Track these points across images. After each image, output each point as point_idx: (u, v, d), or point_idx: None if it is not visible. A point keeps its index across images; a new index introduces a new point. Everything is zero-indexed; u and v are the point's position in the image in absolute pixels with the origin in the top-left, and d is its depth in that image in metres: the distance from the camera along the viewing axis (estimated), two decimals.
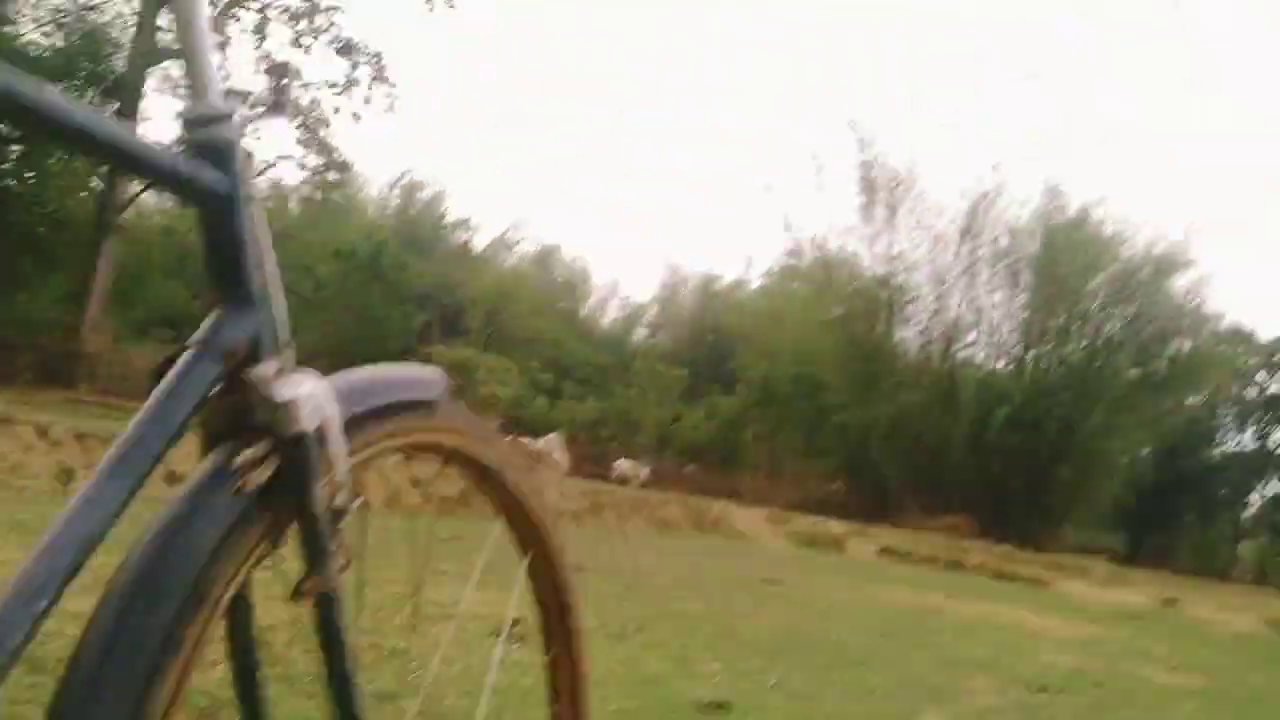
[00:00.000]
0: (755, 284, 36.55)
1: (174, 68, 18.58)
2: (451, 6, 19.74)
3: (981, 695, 4.66)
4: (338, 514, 0.81)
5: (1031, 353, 29.01)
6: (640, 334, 40.19)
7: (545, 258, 39.27)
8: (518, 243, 38.78)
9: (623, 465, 9.78)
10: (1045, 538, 27.87)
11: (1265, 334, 41.27)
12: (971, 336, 29.64)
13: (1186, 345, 29.31)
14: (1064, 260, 27.48)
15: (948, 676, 5.02)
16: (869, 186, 28.73)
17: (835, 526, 17.75)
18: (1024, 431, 27.06)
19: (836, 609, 7.43)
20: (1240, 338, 37.41)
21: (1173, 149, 57.72)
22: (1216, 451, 42.80)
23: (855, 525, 20.28)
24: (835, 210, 29.44)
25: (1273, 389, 42.65)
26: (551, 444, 7.17)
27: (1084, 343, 28.66)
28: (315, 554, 0.80)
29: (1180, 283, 28.40)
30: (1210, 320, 30.58)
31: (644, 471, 9.83)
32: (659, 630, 5.05)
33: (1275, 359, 40.91)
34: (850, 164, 29.57)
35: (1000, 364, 29.80)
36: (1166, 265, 27.95)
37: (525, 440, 7.20)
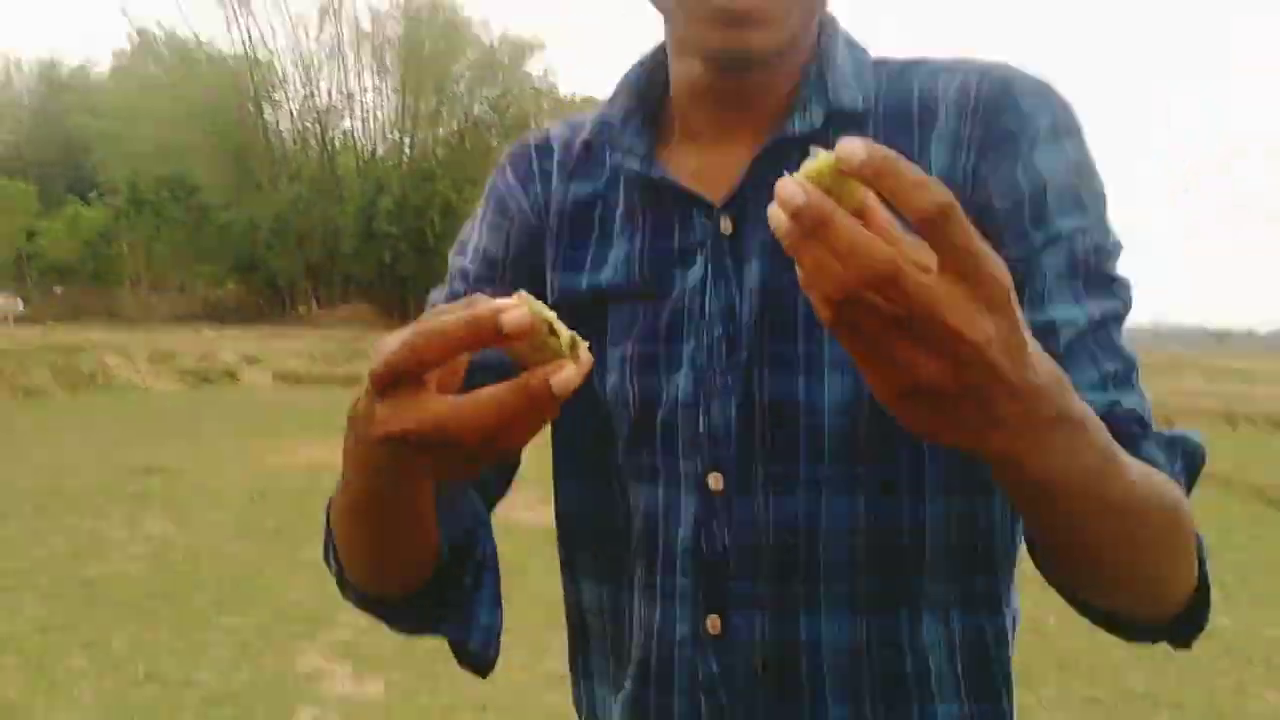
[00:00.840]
0: (104, 70, 32.53)
1: None
2: None
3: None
4: None
5: (407, 139, 29.37)
6: None
7: None
8: None
9: None
10: None
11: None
12: (346, 123, 29.23)
13: (547, 121, 31.55)
14: (428, 44, 27.79)
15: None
16: None
17: (228, 351, 17.06)
18: (409, 215, 27.71)
19: (225, 497, 7.18)
20: (592, 105, 41.06)
21: None
22: None
23: (250, 340, 19.73)
24: None
25: None
26: None
27: (455, 124, 29.61)
28: None
29: (536, 66, 30.40)
30: (565, 99, 33.07)
31: (17, 305, 8.53)
32: None
33: None
34: None
35: (380, 149, 29.84)
36: (523, 49, 29.53)
37: None
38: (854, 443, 0.79)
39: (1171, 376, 22.92)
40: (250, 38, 27.26)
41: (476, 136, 29.68)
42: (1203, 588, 0.73)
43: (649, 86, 0.92)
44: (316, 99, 28.42)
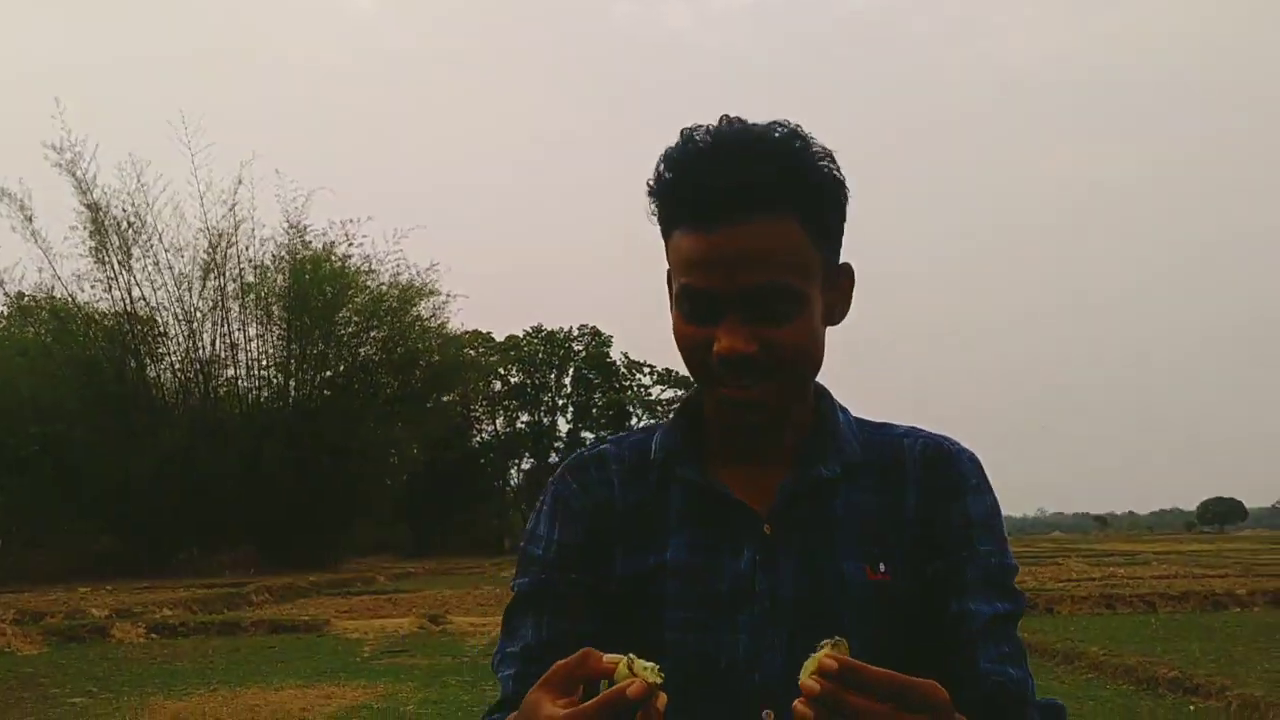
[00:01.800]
0: None
1: None
2: None
3: None
4: None
5: (291, 382, 29.41)
6: None
7: None
8: None
9: None
10: (330, 553, 28.67)
11: (500, 334, 46.79)
12: (230, 371, 29.20)
13: (435, 357, 32.08)
14: (313, 292, 28.31)
15: None
16: (99, 228, 26.82)
17: (97, 606, 16.34)
18: (296, 457, 27.45)
19: None
20: (480, 338, 41.96)
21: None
22: (475, 439, 47.46)
23: (125, 594, 18.94)
24: (56, 252, 27.22)
25: (514, 380, 48.46)
26: None
27: (342, 366, 29.86)
28: None
29: (426, 305, 31.20)
30: (455, 334, 33.85)
31: None
32: None
33: (511, 354, 46.57)
34: (70, 206, 27.16)
35: (264, 395, 29.74)
36: (412, 293, 30.52)
37: None
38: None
39: (1055, 564, 23.47)
40: (130, 296, 27.30)
41: (364, 376, 29.90)
42: None
43: (696, 414, 1.28)
44: (200, 351, 28.42)
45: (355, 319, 29.76)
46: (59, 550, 26.57)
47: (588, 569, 1.22)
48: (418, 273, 30.51)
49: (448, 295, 31.77)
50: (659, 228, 1.19)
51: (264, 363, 29.61)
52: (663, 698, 0.88)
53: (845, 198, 1.17)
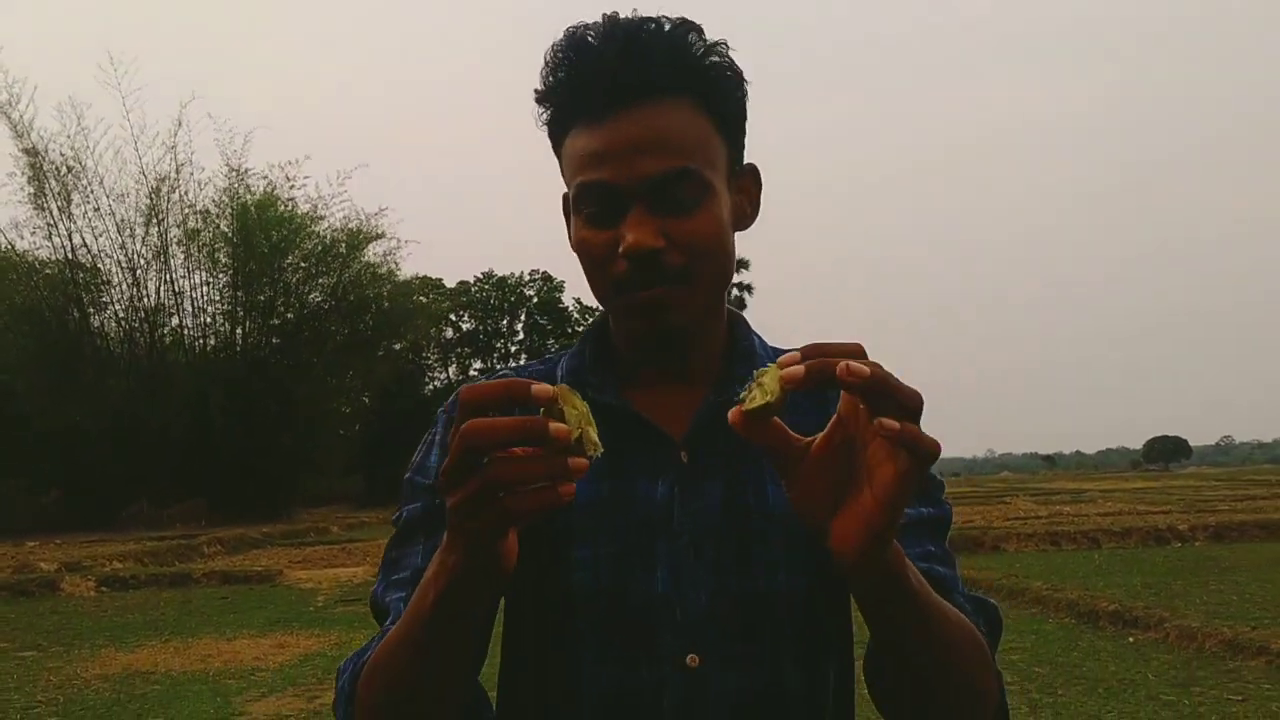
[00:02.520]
0: None
1: None
2: None
3: None
4: None
5: (239, 330, 29.01)
6: None
7: None
8: None
9: None
10: (283, 504, 28.49)
11: (451, 280, 46.41)
12: (175, 320, 28.73)
13: (386, 304, 31.70)
14: (259, 238, 27.80)
15: None
16: (37, 174, 26.12)
17: (46, 560, 16.16)
18: (243, 406, 27.16)
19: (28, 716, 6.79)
20: (431, 284, 41.54)
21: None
22: (427, 388, 47.22)
23: (74, 547, 18.75)
24: None
25: (465, 327, 48.19)
26: None
27: (290, 314, 29.46)
28: None
29: (376, 251, 30.71)
30: (405, 279, 33.40)
31: None
32: None
33: (462, 300, 46.23)
34: (7, 151, 26.47)
35: (211, 343, 29.32)
36: (361, 239, 29.98)
37: None
38: (808, 624, 1.05)
39: (1002, 503, 23.91)
40: (72, 244, 26.69)
41: (313, 324, 29.53)
42: (1003, 716, 1.03)
43: (603, 336, 1.18)
44: (144, 299, 27.90)
45: (303, 265, 29.28)
46: (5, 505, 26.14)
47: None
48: (365, 218, 30.10)
49: (398, 240, 31.40)
50: (551, 142, 1.10)
51: (210, 311, 29.15)
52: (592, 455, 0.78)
53: (744, 90, 1.08)
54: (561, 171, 1.10)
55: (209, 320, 29.27)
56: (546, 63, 1.05)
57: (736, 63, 1.07)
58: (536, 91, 1.07)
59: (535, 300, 49.97)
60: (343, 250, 29.64)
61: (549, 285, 50.08)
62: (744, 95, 1.09)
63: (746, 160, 1.13)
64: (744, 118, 1.10)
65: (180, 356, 28.68)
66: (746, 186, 1.13)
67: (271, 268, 28.51)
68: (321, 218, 29.37)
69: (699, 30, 1.05)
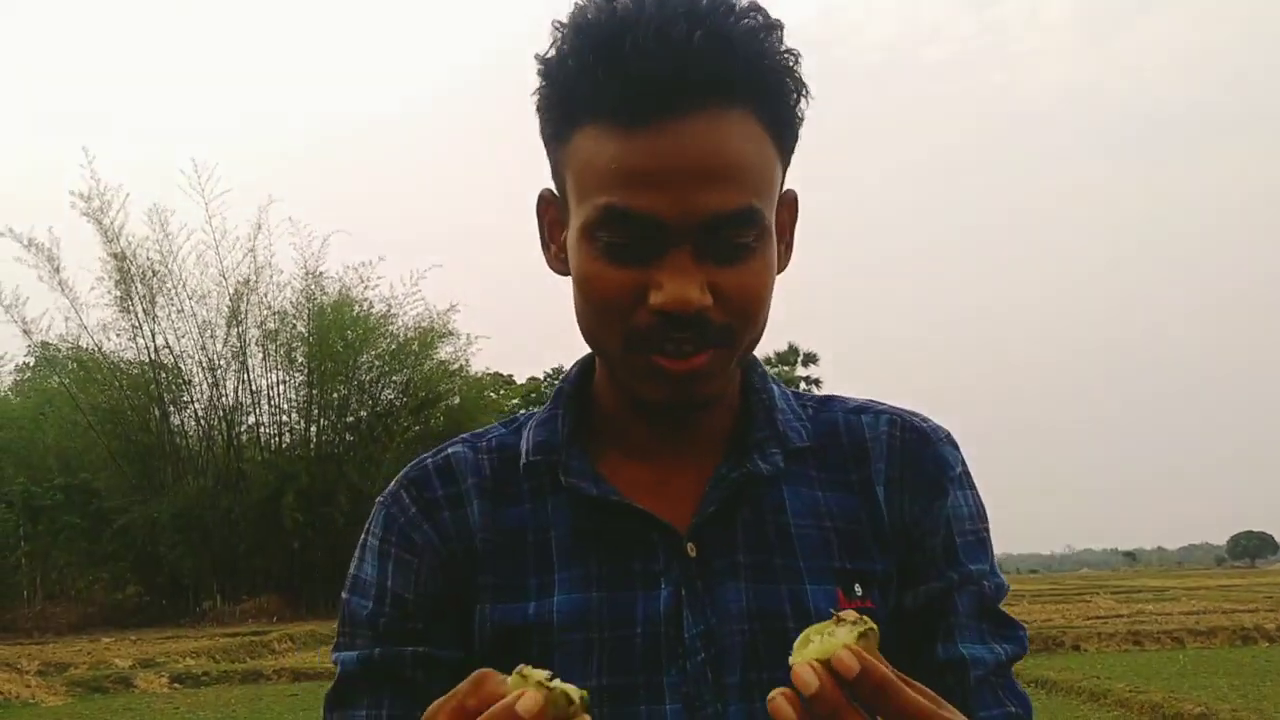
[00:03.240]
0: (4, 385, 32.45)
1: None
2: None
3: None
4: None
5: (314, 427, 29.55)
6: None
7: None
8: None
9: None
10: None
11: (521, 376, 46.99)
12: (252, 418, 29.37)
13: (456, 400, 32.17)
14: (334, 338, 28.50)
15: None
16: (125, 278, 27.16)
17: (121, 657, 16.40)
18: (316, 503, 27.55)
19: None
20: (501, 380, 42.22)
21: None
22: None
23: (148, 643, 19.00)
24: (83, 301, 27.47)
25: None
26: None
27: (364, 412, 29.99)
28: None
29: (447, 349, 31.32)
30: (475, 376, 34.01)
31: None
32: None
33: (532, 396, 46.71)
34: (94, 255, 27.46)
35: (286, 440, 29.89)
36: (433, 337, 30.58)
37: None
38: None
39: (1083, 601, 23.23)
40: (155, 345, 27.55)
41: (385, 421, 30.01)
42: None
43: (581, 401, 0.95)
44: (223, 399, 28.63)
45: (377, 363, 29.92)
46: (83, 600, 26.66)
47: (438, 631, 0.88)
48: (437, 315, 30.71)
49: (468, 337, 31.94)
50: (544, 127, 0.87)
51: (286, 409, 29.78)
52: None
53: (806, 102, 0.87)
54: (555, 169, 0.88)
55: (285, 418, 29.90)
56: (568, 28, 0.81)
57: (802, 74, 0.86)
58: (541, 62, 0.84)
59: None
60: (415, 349, 30.25)
61: None
62: (801, 114, 0.88)
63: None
64: (796, 140, 0.88)
65: (256, 454, 29.24)
66: (783, 219, 0.91)
67: (346, 367, 29.14)
68: (395, 316, 30.06)
69: (777, 25, 0.82)
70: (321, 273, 29.23)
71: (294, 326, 29.13)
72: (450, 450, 0.95)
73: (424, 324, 30.49)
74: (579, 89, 0.79)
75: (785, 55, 0.81)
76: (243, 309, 28.38)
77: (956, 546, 0.91)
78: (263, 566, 27.23)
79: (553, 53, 0.82)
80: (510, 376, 45.39)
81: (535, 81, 0.85)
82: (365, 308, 29.72)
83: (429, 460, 0.95)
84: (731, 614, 0.85)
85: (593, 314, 0.84)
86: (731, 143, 0.79)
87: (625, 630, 0.84)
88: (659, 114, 0.77)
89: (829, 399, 0.98)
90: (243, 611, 26.12)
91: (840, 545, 0.89)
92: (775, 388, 0.95)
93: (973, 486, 0.95)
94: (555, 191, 0.89)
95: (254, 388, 29.22)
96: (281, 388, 29.68)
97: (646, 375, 0.84)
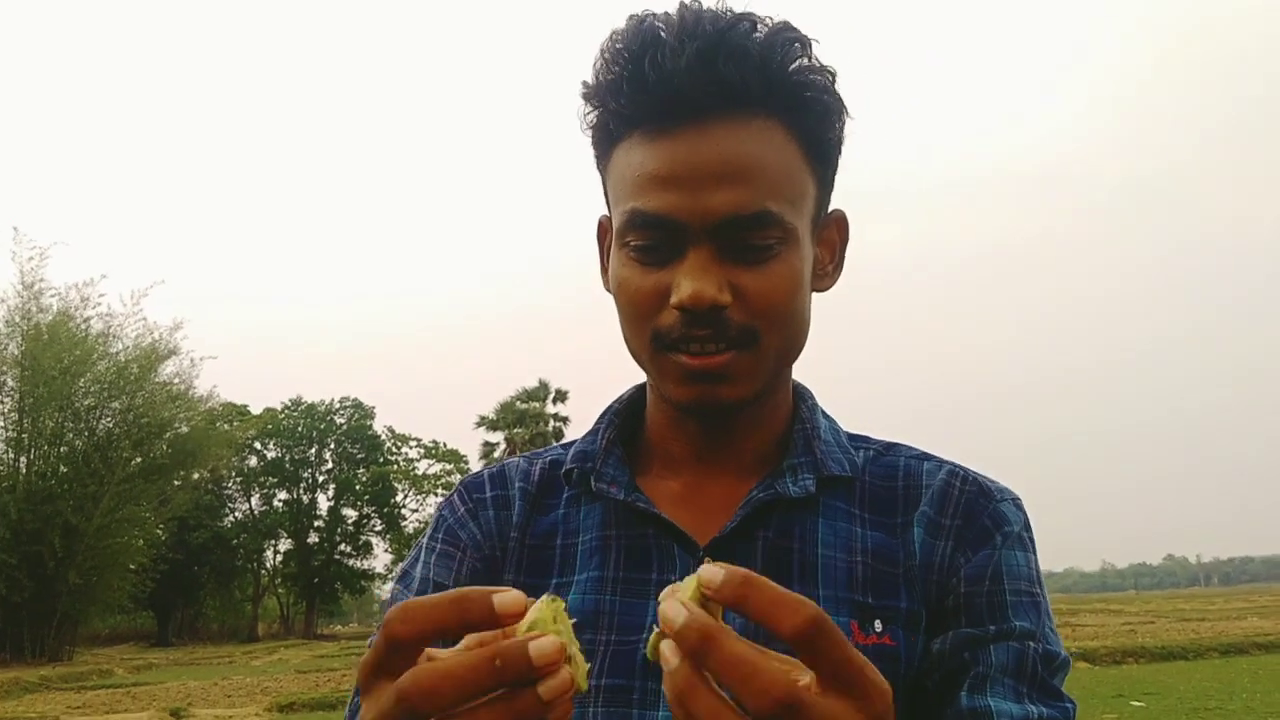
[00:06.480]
0: None
1: None
2: None
3: None
4: None
5: (23, 459, 27.32)
6: None
7: None
8: None
9: None
10: (63, 644, 26.57)
11: (257, 406, 44.96)
12: None
13: (184, 429, 30.44)
14: (49, 361, 26.46)
15: None
16: None
17: None
18: (24, 541, 25.44)
19: None
20: (235, 410, 40.24)
21: None
22: (228, 519, 45.15)
23: None
24: None
25: (270, 455, 46.52)
26: None
27: (79, 442, 27.97)
28: None
29: (169, 370, 29.57)
30: (204, 401, 32.20)
31: None
32: None
33: (268, 427, 44.77)
34: None
35: None
36: (155, 357, 28.83)
37: None
38: None
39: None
40: None
41: (103, 452, 28.10)
42: None
43: (629, 418, 0.99)
44: None
45: (94, 388, 27.91)
46: None
47: None
48: (161, 335, 29.02)
49: (193, 358, 30.38)
50: (594, 151, 0.91)
51: None
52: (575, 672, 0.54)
53: (844, 120, 0.89)
54: (604, 190, 0.92)
55: None
56: (603, 53, 0.85)
57: (837, 89, 0.88)
58: (584, 86, 0.88)
59: (345, 428, 48.83)
60: (135, 371, 28.42)
61: (360, 412, 49.13)
62: (843, 126, 0.90)
63: (832, 206, 0.94)
64: (839, 154, 0.91)
65: None
66: (831, 238, 0.94)
67: (61, 393, 27.08)
68: (115, 336, 28.20)
69: (803, 40, 0.85)
70: (41, 288, 27.15)
71: (5, 347, 26.89)
72: (509, 461, 1.01)
73: (144, 343, 28.80)
74: (613, 107, 0.85)
75: (813, 69, 0.85)
76: None
77: (1006, 603, 0.87)
78: None
79: (592, 77, 0.86)
80: (245, 406, 43.46)
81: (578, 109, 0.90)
82: (85, 327, 27.78)
83: (487, 469, 1.01)
84: (737, 630, 0.81)
85: (626, 319, 0.88)
86: (747, 147, 0.82)
87: (631, 636, 0.86)
88: (680, 122, 0.81)
89: (895, 445, 0.99)
90: None
91: (866, 580, 0.88)
92: (824, 420, 0.97)
93: (1033, 550, 0.92)
94: (608, 213, 0.93)
95: None
96: None
97: (671, 374, 0.86)
